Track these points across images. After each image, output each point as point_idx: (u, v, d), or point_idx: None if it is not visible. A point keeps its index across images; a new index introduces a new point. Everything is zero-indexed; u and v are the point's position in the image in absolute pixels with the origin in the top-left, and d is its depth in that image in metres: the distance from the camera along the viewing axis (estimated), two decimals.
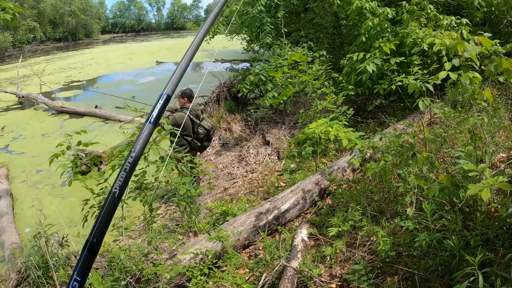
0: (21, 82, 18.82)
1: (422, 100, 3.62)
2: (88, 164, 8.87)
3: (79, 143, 3.94)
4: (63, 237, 4.31)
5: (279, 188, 5.57)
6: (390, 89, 4.98)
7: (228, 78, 11.63)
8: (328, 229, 3.50)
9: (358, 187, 4.23)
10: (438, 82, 4.31)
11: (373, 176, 3.90)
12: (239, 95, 8.92)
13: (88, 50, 41.21)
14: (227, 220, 4.45)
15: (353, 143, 3.36)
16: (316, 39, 9.74)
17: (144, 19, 79.91)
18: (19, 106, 16.30)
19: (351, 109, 6.16)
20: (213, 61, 25.44)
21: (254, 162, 7.75)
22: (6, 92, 17.52)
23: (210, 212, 5.09)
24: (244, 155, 8.14)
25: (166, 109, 6.59)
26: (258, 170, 7.09)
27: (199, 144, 6.36)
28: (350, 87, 6.89)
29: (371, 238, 3.20)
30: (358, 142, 3.33)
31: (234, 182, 6.86)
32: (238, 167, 7.73)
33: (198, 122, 6.32)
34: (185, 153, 6.17)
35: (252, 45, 16.37)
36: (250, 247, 4.06)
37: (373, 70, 5.50)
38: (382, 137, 3.57)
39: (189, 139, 6.26)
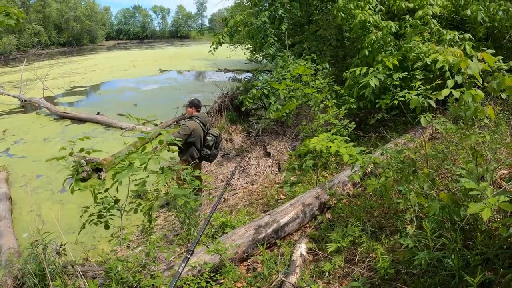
0: (24, 86, 18.88)
1: (424, 116, 3.62)
2: (89, 172, 8.90)
3: (81, 150, 3.92)
4: (61, 245, 4.28)
5: (278, 201, 5.55)
6: (392, 103, 4.98)
7: (230, 89, 11.66)
8: (327, 244, 3.48)
9: (358, 202, 4.22)
10: (441, 98, 4.31)
11: (374, 191, 3.90)
12: (243, 109, 8.97)
13: (92, 56, 41.42)
14: (226, 232, 4.43)
15: (354, 158, 3.34)
16: (319, 52, 9.77)
17: (148, 26, 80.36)
18: (22, 109, 16.31)
19: (353, 122, 6.17)
20: (216, 71, 25.55)
21: (255, 174, 7.73)
22: (9, 95, 17.57)
23: (209, 224, 5.06)
24: (245, 166, 8.13)
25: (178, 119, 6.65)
26: (258, 182, 7.07)
27: (209, 152, 6.39)
28: (352, 100, 6.90)
29: (371, 255, 3.18)
30: (359, 157, 3.31)
31: (234, 194, 6.85)
32: (238, 178, 7.71)
33: (206, 131, 6.38)
34: (195, 162, 6.23)
35: (255, 55, 16.40)
36: (248, 260, 4.04)
37: (375, 85, 5.49)
38: (383, 152, 3.56)
39: (199, 147, 6.30)
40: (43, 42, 45.83)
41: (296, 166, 6.50)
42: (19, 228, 7.00)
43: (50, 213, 7.59)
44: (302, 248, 3.71)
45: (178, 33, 78.85)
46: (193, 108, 6.36)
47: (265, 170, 7.75)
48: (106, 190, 3.74)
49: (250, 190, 6.65)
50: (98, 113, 14.26)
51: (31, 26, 44.07)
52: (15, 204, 8.06)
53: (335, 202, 4.59)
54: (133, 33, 76.06)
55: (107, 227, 3.75)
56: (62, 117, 14.55)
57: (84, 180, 8.86)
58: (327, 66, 7.80)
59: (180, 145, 6.28)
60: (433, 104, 4.03)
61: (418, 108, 3.78)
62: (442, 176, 3.74)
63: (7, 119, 15.01)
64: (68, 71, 28.26)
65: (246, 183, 7.39)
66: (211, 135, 6.37)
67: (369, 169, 4.55)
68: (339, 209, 4.32)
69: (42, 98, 16.17)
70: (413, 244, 2.48)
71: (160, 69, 28.70)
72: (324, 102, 6.40)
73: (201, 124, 6.23)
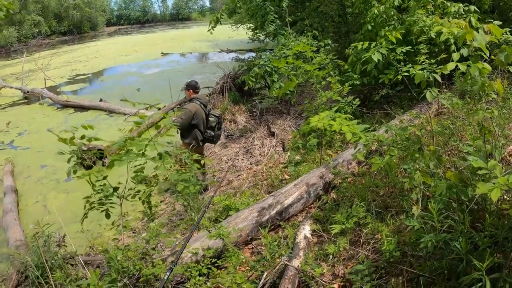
0: (26, 77, 18.74)
1: (430, 91, 3.49)
2: (93, 159, 8.85)
3: (82, 137, 3.84)
4: (63, 237, 4.26)
5: (283, 181, 5.47)
6: (396, 79, 4.83)
7: (232, 69, 11.47)
8: (331, 226, 3.40)
9: (363, 181, 4.11)
10: (446, 72, 4.16)
11: (379, 170, 3.79)
12: (245, 88, 8.79)
13: (93, 43, 41.05)
14: (230, 215, 4.36)
15: (357, 136, 3.22)
16: (322, 28, 9.54)
17: (149, 10, 79.51)
18: (25, 101, 16.23)
19: (357, 99, 6.03)
20: (219, 51, 25.26)
21: (259, 154, 7.66)
22: (11, 87, 17.45)
23: (213, 207, 5.00)
24: (249, 146, 8.05)
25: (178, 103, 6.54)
26: (262, 162, 6.99)
27: (212, 134, 6.29)
28: (355, 76, 6.74)
29: (376, 236, 3.09)
30: (362, 135, 3.19)
31: (239, 175, 6.78)
32: (243, 159, 7.64)
33: (207, 112, 6.26)
34: (198, 145, 6.16)
35: (257, 34, 16.13)
36: (253, 243, 3.98)
37: (378, 60, 5.32)
38: (388, 129, 3.44)
39: (202, 129, 6.18)
40: (43, 32, 45.48)
41: (300, 145, 6.40)
42: (26, 219, 7.01)
43: (56, 202, 7.60)
44: (306, 230, 3.63)
45: (179, 15, 77.96)
46: (191, 90, 6.25)
47: (269, 150, 7.67)
48: (105, 178, 3.64)
49: (255, 171, 6.57)
50: (100, 100, 14.19)
51: (30, 17, 43.61)
52: (21, 196, 8.08)
53: (340, 181, 4.49)
54: (134, 18, 75.32)
55: (107, 215, 3.67)
56: (65, 106, 14.47)
57: (89, 167, 8.83)
58: (330, 42, 7.61)
59: (177, 129, 6.21)
60: (439, 79, 3.90)
61: (423, 82, 3.65)
62: (449, 153, 3.62)
63: (10, 111, 14.97)
64: (70, 60, 28.08)
65: (251, 164, 7.32)
66: (213, 116, 6.26)
67: (374, 147, 4.45)
68: (344, 188, 4.22)
69: (44, 88, 16.07)
70: (419, 226, 2.38)
71: (162, 53, 28.44)
72: (328, 79, 6.26)
73: (201, 106, 6.10)
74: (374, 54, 5.19)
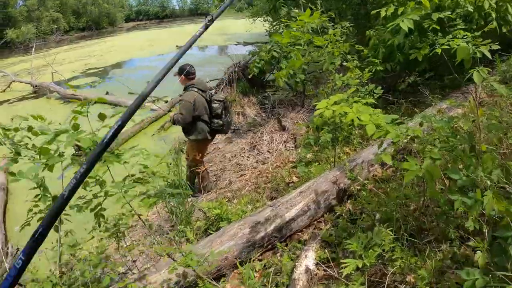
0: (38, 71, 18.40)
1: (478, 71, 2.56)
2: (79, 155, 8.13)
3: (29, 129, 3.08)
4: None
5: (290, 185, 4.56)
6: (425, 63, 3.84)
7: (242, 58, 10.55)
8: (344, 262, 2.35)
9: (389, 190, 3.15)
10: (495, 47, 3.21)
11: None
12: (249, 76, 7.82)
13: (110, 38, 40.62)
14: (219, 228, 3.51)
15: (382, 130, 2.28)
16: (339, 12, 8.49)
17: (167, 6, 79.04)
18: (34, 95, 15.85)
19: (379, 87, 5.09)
20: (235, 44, 24.45)
21: (267, 151, 6.76)
22: (21, 81, 17.15)
23: (204, 214, 4.16)
24: (256, 142, 7.16)
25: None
26: (269, 161, 6.10)
27: (221, 122, 5.34)
28: (377, 61, 5.78)
29: (407, 279, 2.14)
30: (390, 129, 2.24)
31: (242, 175, 5.90)
32: (248, 157, 6.76)
33: (209, 98, 5.31)
34: (207, 138, 5.33)
35: (274, 26, 15.23)
36: (244, 266, 3.09)
37: (409, 29, 4.24)
38: (424, 121, 2.49)
39: (207, 119, 5.28)
40: (62, 28, 45.40)
41: (312, 141, 5.48)
42: (12, 220, 6.39)
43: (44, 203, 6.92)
44: (309, 259, 2.69)
45: (198, 10, 77.19)
46: (183, 76, 5.26)
47: (278, 146, 6.77)
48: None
49: (259, 171, 5.68)
50: (107, 93, 13.59)
51: (48, 13, 43.52)
52: (11, 194, 7.47)
53: (358, 188, 3.54)
54: (153, 13, 74.75)
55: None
56: (71, 99, 13.89)
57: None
58: (348, 24, 6.62)
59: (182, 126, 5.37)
60: (488, 55, 2.98)
61: (468, 60, 2.74)
62: (507, 154, 2.63)
63: (17, 106, 14.58)
64: (84, 54, 27.65)
65: (257, 161, 6.44)
66: (216, 102, 5.32)
67: (401, 144, 3.50)
68: (363, 199, 3.27)
69: (52, 82, 15.58)
70: (483, 283, 1.43)
71: (177, 46, 27.70)
72: (345, 64, 5.34)
73: (200, 92, 5.18)
74: (403, 21, 4.07)
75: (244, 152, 6.93)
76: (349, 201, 3.54)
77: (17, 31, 37.95)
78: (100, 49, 30.24)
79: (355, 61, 5.44)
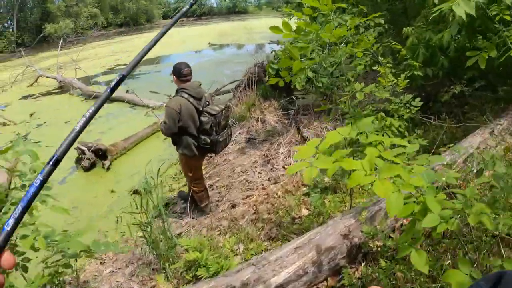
0: (65, 66, 18.24)
1: None
2: (92, 160, 7.51)
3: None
4: None
5: (296, 221, 3.64)
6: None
7: (265, 57, 9.63)
8: None
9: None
10: None
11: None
12: (265, 78, 6.87)
13: (146, 34, 40.52)
14: (196, 276, 2.67)
15: (415, 207, 1.33)
16: (372, 6, 7.39)
17: (206, 3, 79.15)
18: (58, 90, 15.66)
19: (418, 99, 4.11)
20: (269, 43, 23.53)
21: (283, 166, 5.87)
22: (47, 76, 16.99)
23: (178, 256, 3.34)
24: (272, 155, 6.27)
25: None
26: (282, 180, 5.21)
27: (208, 140, 4.36)
28: (416, 65, 4.77)
29: None
30: (433, 204, 1.29)
31: (248, 196, 5.05)
32: (260, 173, 5.89)
33: (201, 108, 4.36)
34: (195, 155, 4.45)
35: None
36: None
37: (472, 18, 3.12)
38: (483, 167, 1.54)
39: (194, 133, 4.36)
40: (100, 24, 45.99)
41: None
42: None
43: (38, 210, 6.32)
44: None
45: (236, 8, 76.89)
46: (174, 76, 4.41)
47: (296, 161, 5.84)
48: None
49: (267, 194, 4.80)
50: (127, 91, 13.02)
51: (87, 9, 44.16)
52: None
53: (379, 246, 2.57)
54: (191, 11, 74.85)
55: None
56: (92, 97, 13.45)
57: (87, 169, 7.51)
58: (382, 21, 5.61)
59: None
60: None
61: None
62: None
63: (40, 101, 14.39)
64: (117, 50, 27.51)
65: (268, 179, 5.56)
66: (205, 114, 4.35)
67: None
68: (384, 260, 2.31)
69: (75, 78, 15.22)
70: None
71: (209, 43, 27.20)
72: (376, 68, 4.39)
73: (191, 99, 4.27)
74: (458, 5, 2.87)
75: (256, 167, 6.06)
76: (363, 264, 2.57)
77: (55, 26, 38.78)
78: (133, 45, 30.05)
79: (388, 64, 4.47)
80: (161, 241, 3.67)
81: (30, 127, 11.23)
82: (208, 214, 4.85)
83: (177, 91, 4.39)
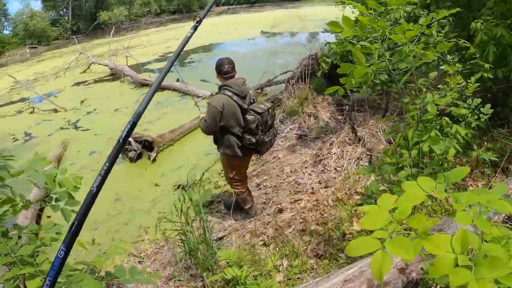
0: (120, 54, 18.58)
1: None
2: (138, 151, 7.50)
3: None
4: None
5: (346, 237, 3.33)
6: None
7: (319, 49, 9.22)
8: None
9: None
10: None
11: None
12: (318, 73, 6.47)
13: None
14: None
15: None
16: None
17: None
18: (110, 77, 15.99)
19: (488, 105, 3.66)
20: (322, 31, 22.86)
21: (335, 168, 5.53)
22: (100, 64, 17.40)
23: (216, 267, 3.15)
24: (323, 155, 5.94)
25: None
26: (334, 184, 4.89)
27: (253, 140, 4.07)
28: (486, 66, 4.27)
29: None
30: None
31: (296, 200, 4.76)
32: (310, 174, 5.59)
33: (246, 106, 4.10)
34: (237, 156, 4.20)
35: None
36: None
37: None
38: None
39: (238, 132, 4.12)
40: (153, 11, 46.85)
41: (389, 168, 4.12)
42: (45, 218, 6.02)
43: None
44: None
45: None
46: (217, 72, 4.16)
47: (349, 164, 5.50)
48: None
49: (317, 200, 4.50)
50: (177, 80, 13.02)
51: None
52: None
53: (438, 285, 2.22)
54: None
55: None
56: (143, 84, 13.58)
57: (133, 160, 7.52)
58: (447, 13, 5.05)
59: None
60: None
61: None
62: None
63: (91, 88, 14.75)
64: (169, 37, 27.78)
65: (319, 182, 5.25)
66: (251, 113, 4.06)
67: None
68: None
69: (126, 66, 15.43)
70: None
71: (262, 31, 26.80)
72: (443, 68, 3.97)
73: (234, 97, 4.02)
74: None
75: (306, 167, 5.77)
76: None
77: (110, 13, 40.04)
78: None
79: (457, 64, 4.02)
80: (198, 248, 3.50)
81: (80, 114, 11.48)
82: (253, 217, 4.64)
83: (219, 88, 4.15)
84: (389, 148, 3.57)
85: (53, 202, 2.13)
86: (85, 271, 2.05)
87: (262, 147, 4.20)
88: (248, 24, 33.05)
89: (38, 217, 5.77)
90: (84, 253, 5.06)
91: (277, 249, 3.43)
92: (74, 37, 28.27)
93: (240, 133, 4.11)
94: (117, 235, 5.36)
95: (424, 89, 3.01)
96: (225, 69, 4.06)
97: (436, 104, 2.65)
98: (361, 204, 3.84)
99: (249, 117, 4.03)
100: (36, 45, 35.37)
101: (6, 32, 38.81)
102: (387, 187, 3.89)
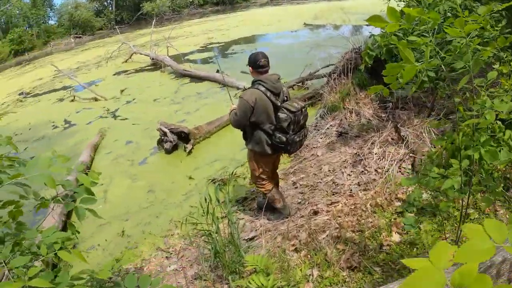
0: (162, 44, 18.82)
1: None
2: (174, 143, 7.43)
3: None
4: None
5: (383, 248, 3.05)
6: None
7: (363, 42, 8.82)
8: None
9: None
10: None
11: None
12: (361, 67, 6.10)
13: (241, 12, 40.57)
14: None
15: None
16: None
17: None
18: (151, 67, 16.11)
19: None
20: (366, 25, 22.11)
21: (375, 170, 5.20)
22: (141, 53, 17.60)
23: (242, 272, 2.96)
24: (364, 155, 5.62)
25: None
26: (374, 187, 4.58)
27: (283, 139, 3.91)
28: None
29: None
30: None
31: (333, 202, 4.49)
32: (349, 175, 5.30)
33: (279, 103, 3.92)
34: (266, 153, 4.05)
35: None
36: None
37: None
38: None
39: (269, 130, 3.96)
40: (196, 2, 47.06)
41: (434, 174, 3.76)
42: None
43: (116, 190, 6.46)
44: None
45: None
46: (251, 67, 3.98)
47: (391, 166, 5.15)
48: None
49: (354, 204, 4.22)
50: (217, 71, 12.89)
51: None
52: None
53: None
54: None
55: None
56: (183, 75, 13.58)
57: (168, 152, 7.47)
58: (500, 7, 4.57)
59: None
60: None
61: None
62: None
63: (132, 78, 14.94)
64: (211, 28, 27.77)
65: (358, 184, 4.95)
66: (284, 111, 3.88)
67: None
68: None
69: (167, 56, 15.48)
70: None
71: (304, 23, 26.25)
72: (496, 67, 3.55)
73: (268, 93, 3.83)
74: None
75: (345, 167, 5.47)
76: None
77: (153, 4, 40.68)
78: (227, 24, 30.17)
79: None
80: (225, 251, 3.33)
81: (119, 103, 11.59)
82: (287, 217, 4.43)
83: (253, 83, 3.97)
84: (434, 152, 3.23)
85: (67, 200, 2.00)
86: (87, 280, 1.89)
87: (291, 146, 4.03)
88: (291, 15, 32.50)
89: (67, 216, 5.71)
90: (113, 245, 5.04)
91: (309, 256, 3.20)
92: (117, 27, 28.80)
93: (270, 131, 3.96)
94: (147, 227, 5.29)
95: (483, 92, 2.64)
96: (261, 63, 3.89)
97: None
98: (401, 212, 3.53)
99: (282, 115, 3.87)
100: (80, 35, 36.52)
101: (51, 22, 40.35)
102: (431, 195, 3.56)
